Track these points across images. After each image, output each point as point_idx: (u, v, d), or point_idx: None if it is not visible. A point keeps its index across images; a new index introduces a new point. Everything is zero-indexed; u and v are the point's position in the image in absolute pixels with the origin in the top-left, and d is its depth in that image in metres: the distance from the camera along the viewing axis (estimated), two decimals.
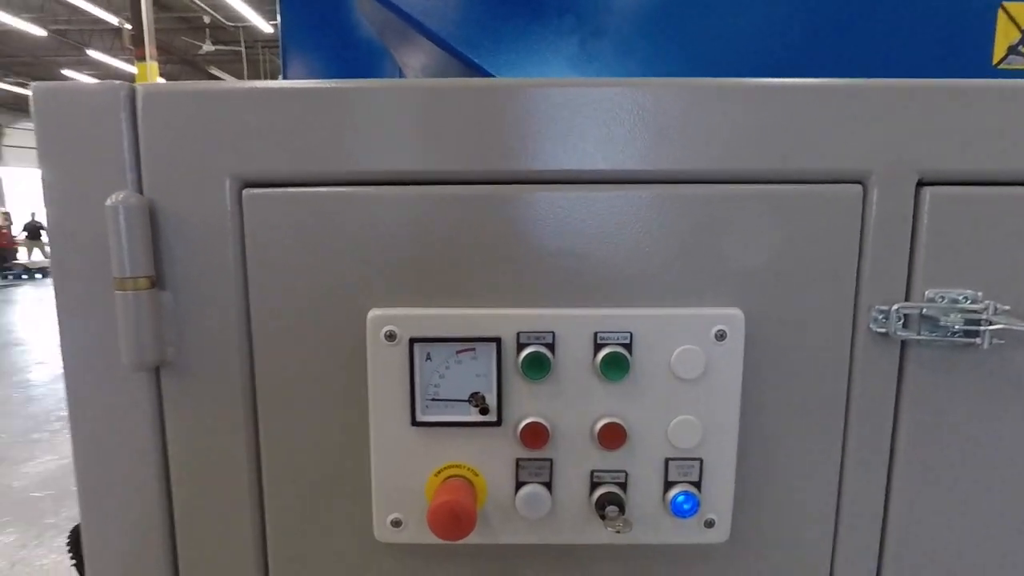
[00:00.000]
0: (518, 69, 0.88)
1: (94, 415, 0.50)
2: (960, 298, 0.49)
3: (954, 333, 0.49)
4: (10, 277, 12.94)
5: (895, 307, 0.49)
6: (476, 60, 0.89)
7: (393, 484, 0.50)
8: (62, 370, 0.50)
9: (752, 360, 0.50)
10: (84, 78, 13.52)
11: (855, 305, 0.50)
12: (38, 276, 13.01)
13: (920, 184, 0.49)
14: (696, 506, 0.49)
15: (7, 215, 15.09)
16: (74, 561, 0.65)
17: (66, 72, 13.24)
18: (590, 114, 0.48)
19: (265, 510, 0.52)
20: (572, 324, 0.48)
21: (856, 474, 0.52)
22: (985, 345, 0.49)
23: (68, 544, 0.67)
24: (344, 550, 0.52)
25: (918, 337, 0.50)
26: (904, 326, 0.50)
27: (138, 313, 0.47)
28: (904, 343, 0.50)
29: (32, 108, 0.48)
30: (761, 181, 0.49)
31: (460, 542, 0.48)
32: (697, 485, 0.50)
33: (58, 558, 2.66)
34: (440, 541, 0.48)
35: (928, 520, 0.53)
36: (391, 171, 0.48)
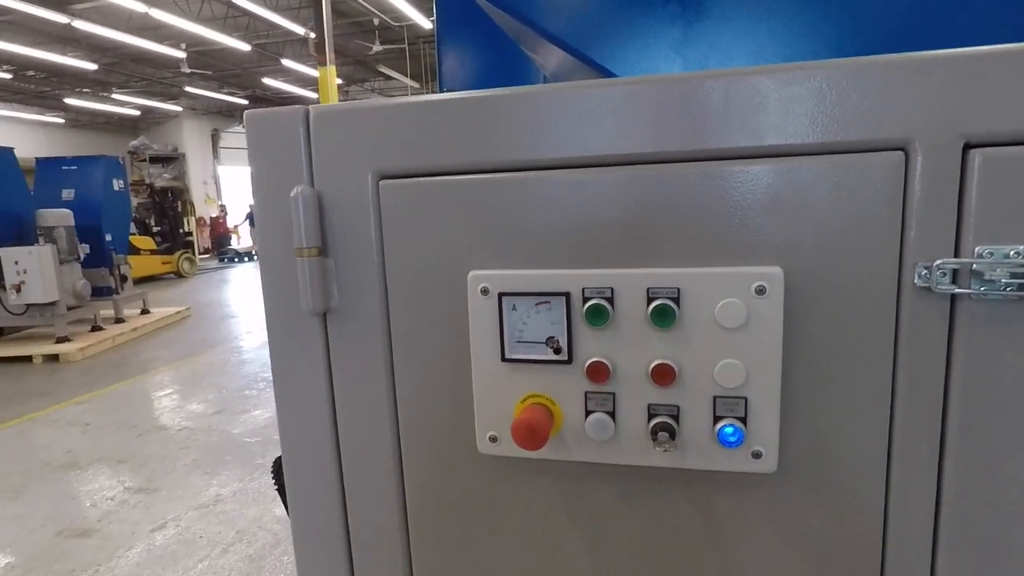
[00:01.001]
0: (626, 59, 0.97)
1: (285, 347, 0.70)
2: (1011, 253, 0.51)
3: (1004, 287, 0.51)
4: (225, 260, 15.28)
5: (938, 263, 0.52)
6: (589, 55, 1.00)
7: (490, 408, 0.64)
8: (265, 318, 0.70)
9: (799, 313, 0.56)
10: (279, 84, 15.45)
11: (900, 263, 0.54)
12: (246, 259, 15.25)
13: (967, 147, 0.52)
14: (742, 438, 0.57)
15: (223, 207, 17.80)
16: (276, 487, 0.85)
17: (266, 80, 15.22)
18: (637, 105, 0.57)
19: (400, 426, 0.69)
20: (628, 281, 0.58)
21: (907, 419, 0.56)
22: None
23: (272, 475, 0.88)
24: (456, 460, 0.68)
25: (967, 291, 0.52)
26: (952, 282, 0.53)
27: (311, 273, 0.65)
28: (954, 298, 0.54)
29: (245, 127, 0.68)
30: (804, 153, 0.55)
31: (539, 456, 0.62)
32: (743, 420, 0.58)
33: (266, 489, 3.24)
34: (526, 454, 0.61)
35: (984, 463, 0.55)
36: (485, 162, 0.61)
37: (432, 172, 0.63)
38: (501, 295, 0.61)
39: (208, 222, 16.59)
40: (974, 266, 0.52)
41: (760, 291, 0.55)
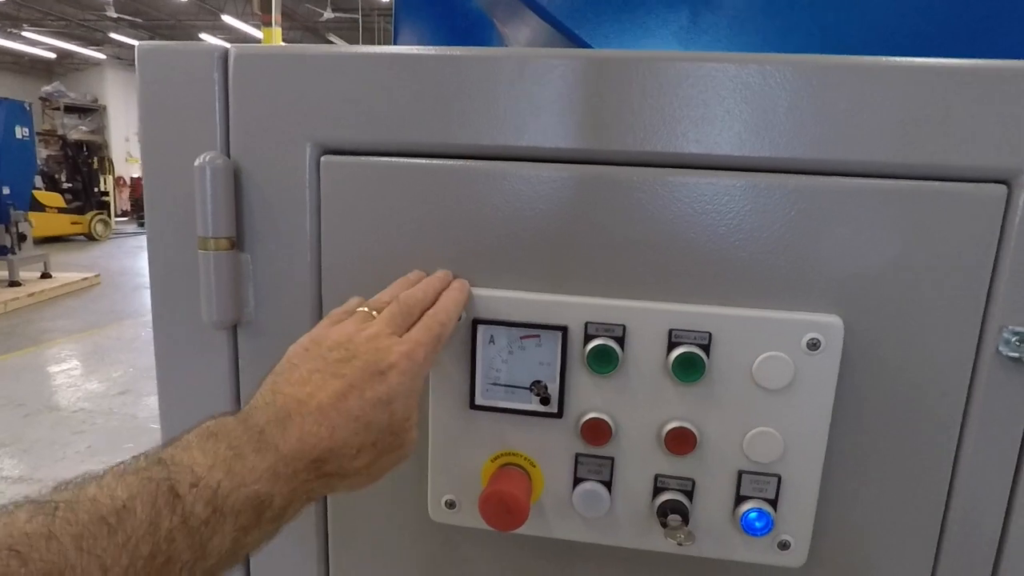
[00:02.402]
0: (621, 43, 0.83)
1: (176, 366, 0.53)
2: None
3: None
4: (144, 226, 14.30)
5: None
6: (578, 32, 0.85)
7: (449, 465, 0.49)
8: (152, 325, 0.53)
9: (849, 373, 0.44)
10: (218, 41, 14.53)
11: (983, 324, 0.43)
12: None
13: None
14: (770, 525, 0.45)
15: None
16: None
17: (202, 36, 14.27)
18: (686, 91, 0.43)
19: None
20: (645, 318, 0.44)
21: (965, 510, 0.46)
22: None
23: None
24: (399, 527, 0.53)
25: None
26: None
27: (218, 273, 0.48)
28: None
29: (137, 63, 0.50)
30: (877, 175, 0.43)
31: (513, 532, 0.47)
32: (773, 503, 0.45)
33: None
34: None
35: None
36: (467, 144, 0.46)
37: (394, 151, 0.48)
38: (476, 322, 0.46)
39: (128, 183, 15.44)
40: None
41: (813, 345, 0.43)
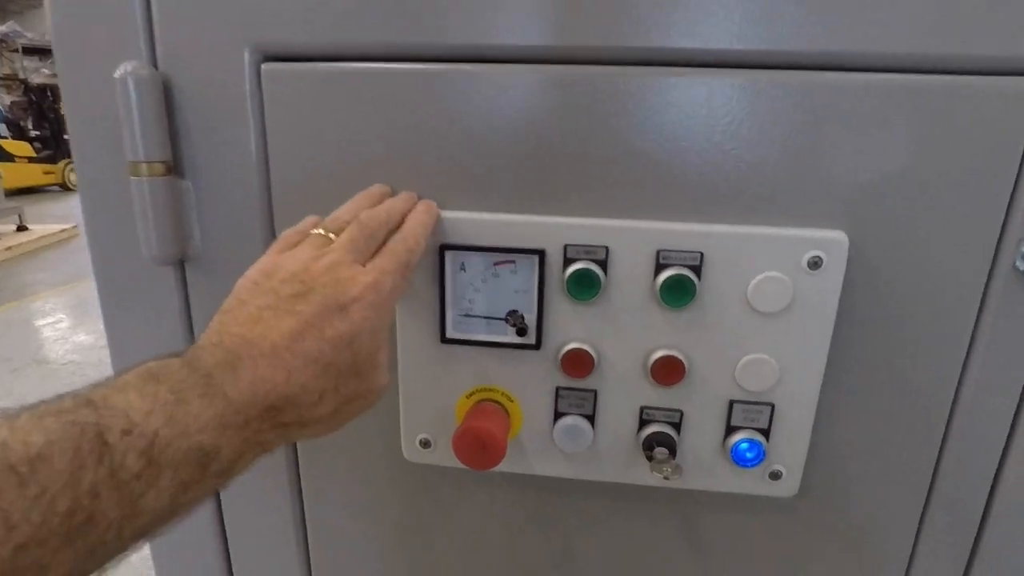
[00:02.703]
0: None
1: (122, 308, 0.48)
2: None
3: None
4: None
5: None
6: None
7: (422, 403, 0.46)
8: (91, 265, 0.48)
9: (852, 295, 0.41)
10: None
11: (1000, 237, 0.39)
12: None
13: None
14: (761, 455, 0.43)
15: None
16: None
17: None
18: None
19: None
20: (630, 238, 0.40)
21: (964, 439, 0.43)
22: None
23: None
24: (373, 468, 0.50)
25: None
26: None
27: (154, 202, 0.43)
28: None
29: None
30: (894, 69, 0.38)
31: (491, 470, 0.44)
32: (765, 433, 0.43)
33: None
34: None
35: None
36: (428, 44, 0.41)
37: (341, 54, 0.42)
38: (443, 247, 0.42)
39: None
40: None
41: (814, 264, 0.39)
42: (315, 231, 0.37)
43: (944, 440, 0.44)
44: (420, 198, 0.42)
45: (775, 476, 0.44)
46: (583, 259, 0.40)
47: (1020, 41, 0.36)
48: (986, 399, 0.42)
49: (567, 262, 0.41)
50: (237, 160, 0.44)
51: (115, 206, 0.45)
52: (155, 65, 0.43)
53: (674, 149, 0.40)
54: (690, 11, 0.38)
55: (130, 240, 0.45)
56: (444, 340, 0.43)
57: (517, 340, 0.43)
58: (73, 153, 0.45)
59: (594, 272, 0.40)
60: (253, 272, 0.37)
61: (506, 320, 0.42)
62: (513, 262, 0.42)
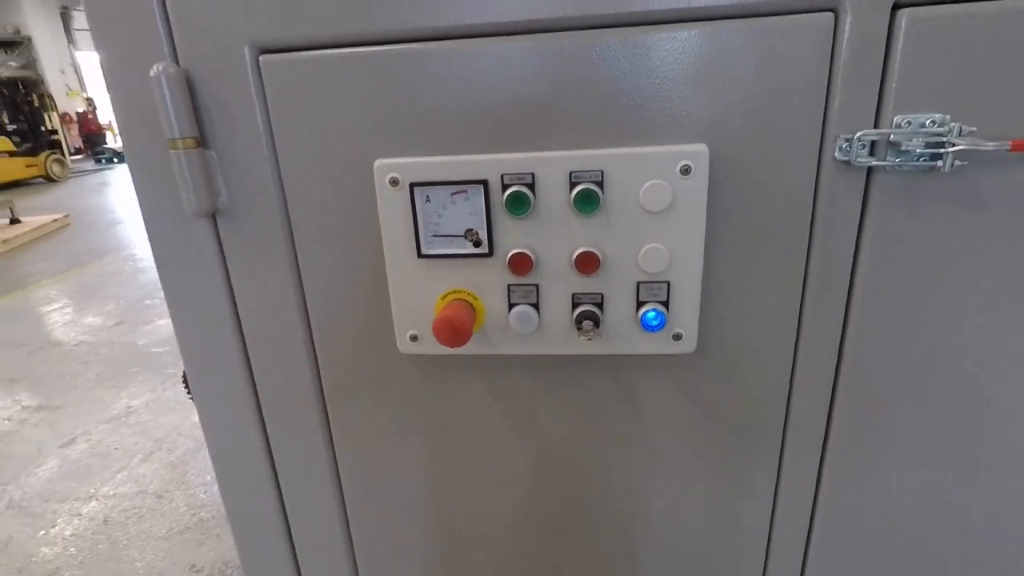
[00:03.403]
0: None
1: (171, 255, 0.62)
2: (927, 122, 0.51)
3: (918, 158, 0.52)
4: (102, 161, 13.77)
5: (858, 134, 0.52)
6: None
7: (408, 306, 0.60)
8: (143, 223, 0.61)
9: (720, 193, 0.55)
10: None
11: (822, 136, 0.53)
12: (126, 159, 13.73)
13: (896, 7, 0.49)
14: (664, 321, 0.57)
15: (91, 100, 15.72)
16: (190, 396, 0.81)
17: None
18: None
19: (312, 329, 0.65)
20: (549, 164, 0.54)
21: (818, 294, 0.58)
22: (946, 168, 0.51)
23: (184, 385, 0.83)
24: (375, 361, 0.65)
25: (881, 163, 0.52)
26: (870, 154, 0.53)
27: (190, 169, 0.56)
28: (871, 171, 0.54)
29: None
30: (729, 15, 0.51)
31: (464, 352, 0.59)
32: (665, 304, 0.57)
33: (182, 398, 3.14)
34: (449, 351, 0.59)
35: (882, 332, 0.59)
36: (385, 31, 0.53)
37: (322, 44, 0.54)
38: (412, 185, 0.55)
39: (75, 118, 14.68)
40: (891, 137, 0.52)
41: (685, 171, 0.53)
42: None
43: (803, 296, 0.59)
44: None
45: (677, 337, 0.59)
46: (516, 184, 0.54)
47: None
48: (829, 254, 0.57)
49: (504, 187, 0.54)
50: (248, 134, 0.57)
51: (157, 175, 0.59)
52: (177, 63, 0.55)
53: (577, 97, 0.53)
54: None
55: (171, 200, 0.59)
56: (420, 256, 0.58)
57: (474, 251, 0.57)
58: (120, 135, 0.58)
59: (525, 193, 0.54)
60: None
61: (465, 236, 0.57)
62: (465, 191, 0.55)
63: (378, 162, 0.56)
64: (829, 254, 0.57)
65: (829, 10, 0.50)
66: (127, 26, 0.55)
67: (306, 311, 0.64)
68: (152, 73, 0.53)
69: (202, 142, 0.57)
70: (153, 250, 0.62)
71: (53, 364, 3.64)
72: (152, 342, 3.90)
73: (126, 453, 2.74)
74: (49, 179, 10.87)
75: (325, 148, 0.57)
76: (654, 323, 0.57)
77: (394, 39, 0.54)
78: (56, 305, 4.66)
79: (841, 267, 0.57)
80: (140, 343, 3.90)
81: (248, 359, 0.66)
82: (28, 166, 10.50)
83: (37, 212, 7.75)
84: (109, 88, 0.56)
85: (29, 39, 14.18)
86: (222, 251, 0.62)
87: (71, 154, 13.17)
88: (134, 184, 0.60)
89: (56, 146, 11.46)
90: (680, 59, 0.52)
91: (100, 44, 0.56)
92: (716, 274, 0.58)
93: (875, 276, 0.57)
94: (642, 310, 0.57)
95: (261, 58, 0.55)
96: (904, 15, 0.49)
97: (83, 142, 14.46)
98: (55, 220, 7.28)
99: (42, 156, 10.72)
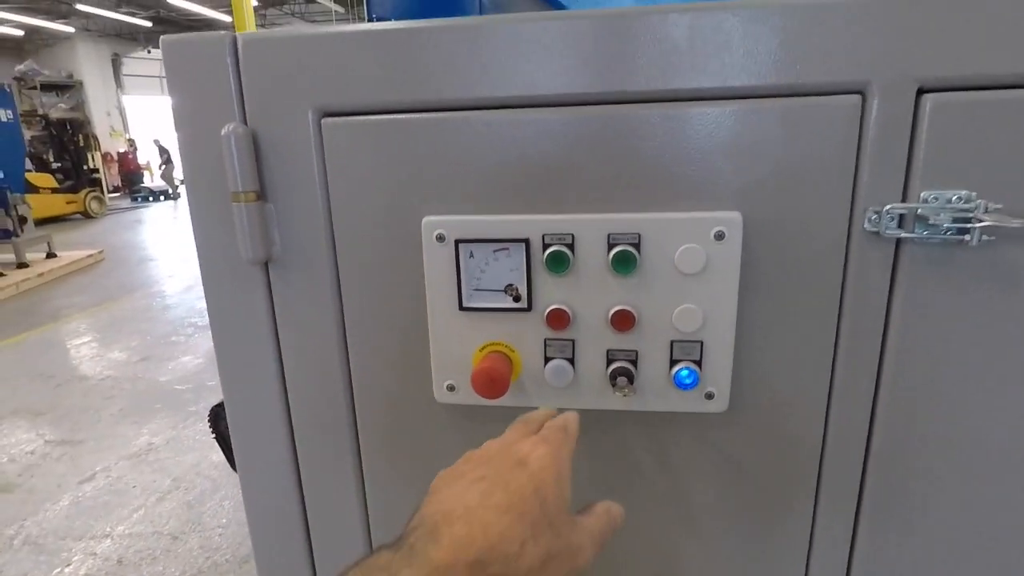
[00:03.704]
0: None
1: (223, 300, 0.65)
2: (953, 198, 0.53)
3: (945, 231, 0.54)
4: (138, 199, 14.25)
5: (887, 208, 0.54)
6: None
7: (447, 357, 0.62)
8: (199, 267, 0.65)
9: (753, 257, 0.57)
10: (188, 5, 14.09)
11: (852, 207, 0.55)
12: (161, 198, 14.24)
13: (920, 92, 0.52)
14: (697, 380, 0.59)
15: (132, 141, 16.43)
16: (214, 435, 0.83)
17: (171, 0, 13.84)
18: (597, 41, 0.54)
19: (352, 376, 0.67)
20: (589, 227, 0.56)
21: (849, 358, 0.59)
22: (974, 242, 0.53)
23: (209, 423, 0.85)
24: (412, 409, 0.67)
25: (909, 235, 0.54)
26: (898, 226, 0.55)
27: (249, 220, 0.60)
28: (899, 242, 0.56)
29: (163, 56, 0.60)
30: (762, 95, 0.54)
31: (500, 403, 0.61)
32: (698, 363, 0.59)
33: (201, 436, 3.16)
34: (485, 402, 0.61)
35: (914, 401, 0.59)
36: (439, 100, 0.57)
37: (378, 110, 0.59)
38: (458, 242, 0.58)
39: (116, 158, 15.32)
40: (919, 211, 0.54)
41: (719, 236, 0.55)
42: None
43: (834, 360, 0.60)
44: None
45: (709, 396, 0.60)
46: (556, 243, 0.57)
47: (842, 69, 0.52)
48: (860, 319, 0.58)
49: (545, 246, 0.57)
50: (306, 189, 0.61)
51: (218, 223, 0.63)
52: (245, 123, 0.60)
53: (616, 163, 0.56)
54: (608, 66, 0.54)
55: (229, 247, 0.63)
56: (461, 308, 0.60)
57: (514, 305, 0.59)
58: (187, 188, 0.62)
59: (565, 253, 0.57)
60: (442, 473, 0.43)
61: (505, 291, 0.59)
62: (507, 249, 0.58)
63: (426, 219, 0.59)
64: (859, 320, 0.58)
65: (857, 92, 0.53)
66: (202, 86, 0.60)
67: (347, 358, 0.66)
68: (223, 132, 0.58)
69: (261, 195, 0.61)
70: (206, 292, 0.65)
71: (78, 398, 3.71)
72: (175, 379, 3.96)
73: (144, 491, 2.75)
74: (87, 215, 11.27)
75: (375, 205, 0.61)
76: (687, 381, 0.59)
77: (445, 107, 0.58)
78: (86, 339, 4.77)
79: (872, 333, 0.58)
80: (163, 379, 3.96)
81: (287, 400, 0.68)
82: (68, 203, 10.92)
83: (74, 247, 8.01)
84: (180, 143, 0.61)
85: (80, 83, 14.96)
86: (271, 297, 0.65)
87: (110, 191, 13.69)
88: (194, 232, 0.64)
89: (96, 184, 11.93)
90: (715, 132, 0.55)
91: (176, 102, 0.60)
92: (749, 335, 0.59)
93: (906, 343, 0.58)
94: (675, 368, 0.59)
95: (323, 121, 0.59)
96: (929, 100, 0.52)
97: (121, 180, 15.03)
98: (90, 256, 7.51)
99: (82, 193, 11.15)
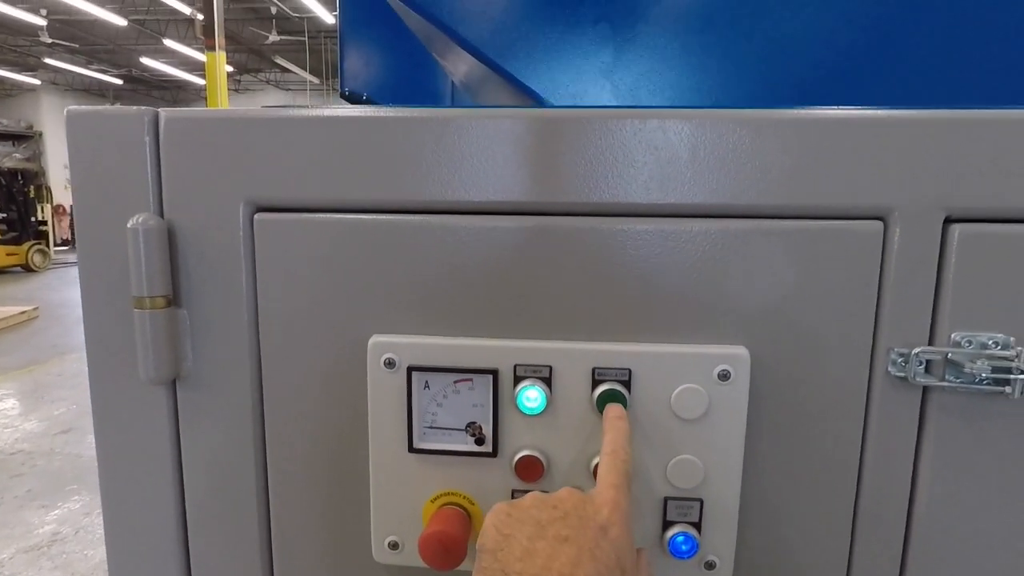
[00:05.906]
0: (551, 79, 0.87)
1: (115, 425, 0.53)
2: (989, 343, 0.46)
3: (981, 380, 0.46)
4: None
5: (916, 351, 0.46)
6: (509, 70, 0.89)
7: (391, 507, 0.50)
8: (88, 386, 0.53)
9: (760, 400, 0.48)
10: (161, 66, 14.17)
11: (873, 348, 0.48)
12: None
13: (948, 221, 0.46)
14: (695, 547, 0.48)
15: None
16: None
17: (145, 60, 13.91)
18: (590, 145, 0.47)
19: (271, 522, 0.54)
20: (569, 357, 0.47)
21: (872, 520, 0.50)
22: (1016, 394, 0.45)
23: None
24: (344, 569, 0.54)
25: (941, 384, 0.47)
26: (926, 371, 0.47)
27: (155, 331, 0.49)
28: (926, 389, 0.48)
29: (66, 130, 0.50)
30: (772, 216, 0.47)
31: (455, 572, 0.49)
32: (697, 527, 0.49)
33: None
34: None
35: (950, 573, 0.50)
36: (393, 200, 0.49)
37: (322, 207, 0.49)
38: (411, 369, 0.48)
39: (68, 211, 14.87)
40: (950, 355, 0.46)
41: (724, 376, 0.46)
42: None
43: (854, 521, 0.50)
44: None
45: (710, 566, 0.50)
46: (531, 377, 0.47)
47: (863, 194, 0.46)
48: (884, 476, 0.49)
49: (517, 380, 0.47)
50: (229, 293, 0.50)
51: (115, 335, 0.51)
52: (161, 214, 0.50)
53: (603, 282, 0.48)
54: (602, 174, 0.47)
55: (127, 364, 0.51)
56: (411, 449, 0.49)
57: (476, 449, 0.48)
58: (81, 289, 0.51)
59: (540, 390, 0.47)
60: (501, 506, 0.40)
61: (466, 431, 0.48)
62: (471, 380, 0.48)
63: (374, 339, 0.48)
64: (883, 478, 0.49)
65: (878, 218, 0.46)
66: (111, 169, 0.50)
67: (267, 503, 0.53)
68: (130, 225, 0.47)
69: (173, 300, 0.50)
70: (95, 420, 0.53)
71: None
72: None
73: None
74: (28, 269, 10.75)
75: (313, 317, 0.50)
76: (684, 549, 0.48)
77: (402, 208, 0.49)
78: (3, 406, 4.37)
79: (897, 494, 0.49)
80: (85, 455, 3.61)
81: (188, 558, 0.55)
82: (9, 255, 10.42)
83: (7, 302, 7.55)
84: (78, 234, 0.50)
85: (40, 134, 14.68)
86: (176, 424, 0.53)
87: (57, 244, 13.17)
88: (86, 340, 0.52)
89: (42, 237, 11.46)
90: (719, 253, 0.47)
91: (77, 184, 0.50)
92: (757, 494, 0.50)
93: (936, 507, 0.49)
94: (670, 532, 0.48)
95: (256, 216, 0.49)
96: (956, 230, 0.46)
97: (71, 234, 14.51)
98: (23, 312, 7.07)
99: (25, 246, 10.68)
